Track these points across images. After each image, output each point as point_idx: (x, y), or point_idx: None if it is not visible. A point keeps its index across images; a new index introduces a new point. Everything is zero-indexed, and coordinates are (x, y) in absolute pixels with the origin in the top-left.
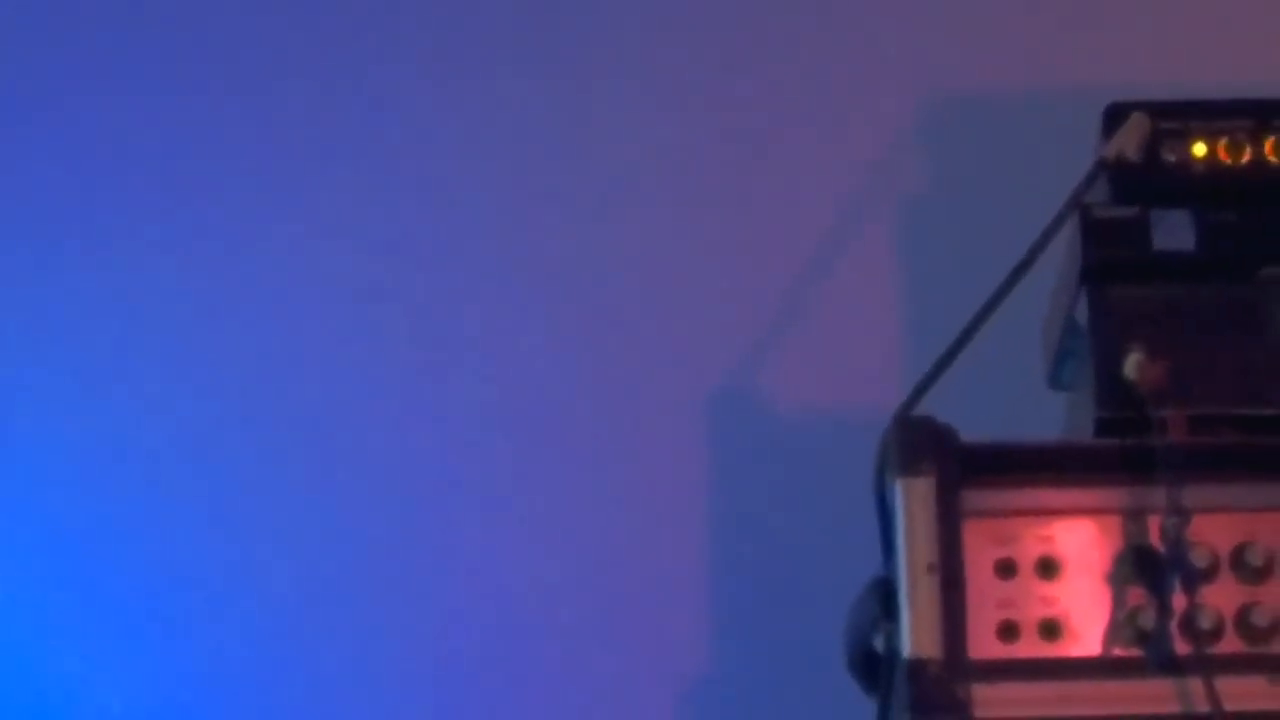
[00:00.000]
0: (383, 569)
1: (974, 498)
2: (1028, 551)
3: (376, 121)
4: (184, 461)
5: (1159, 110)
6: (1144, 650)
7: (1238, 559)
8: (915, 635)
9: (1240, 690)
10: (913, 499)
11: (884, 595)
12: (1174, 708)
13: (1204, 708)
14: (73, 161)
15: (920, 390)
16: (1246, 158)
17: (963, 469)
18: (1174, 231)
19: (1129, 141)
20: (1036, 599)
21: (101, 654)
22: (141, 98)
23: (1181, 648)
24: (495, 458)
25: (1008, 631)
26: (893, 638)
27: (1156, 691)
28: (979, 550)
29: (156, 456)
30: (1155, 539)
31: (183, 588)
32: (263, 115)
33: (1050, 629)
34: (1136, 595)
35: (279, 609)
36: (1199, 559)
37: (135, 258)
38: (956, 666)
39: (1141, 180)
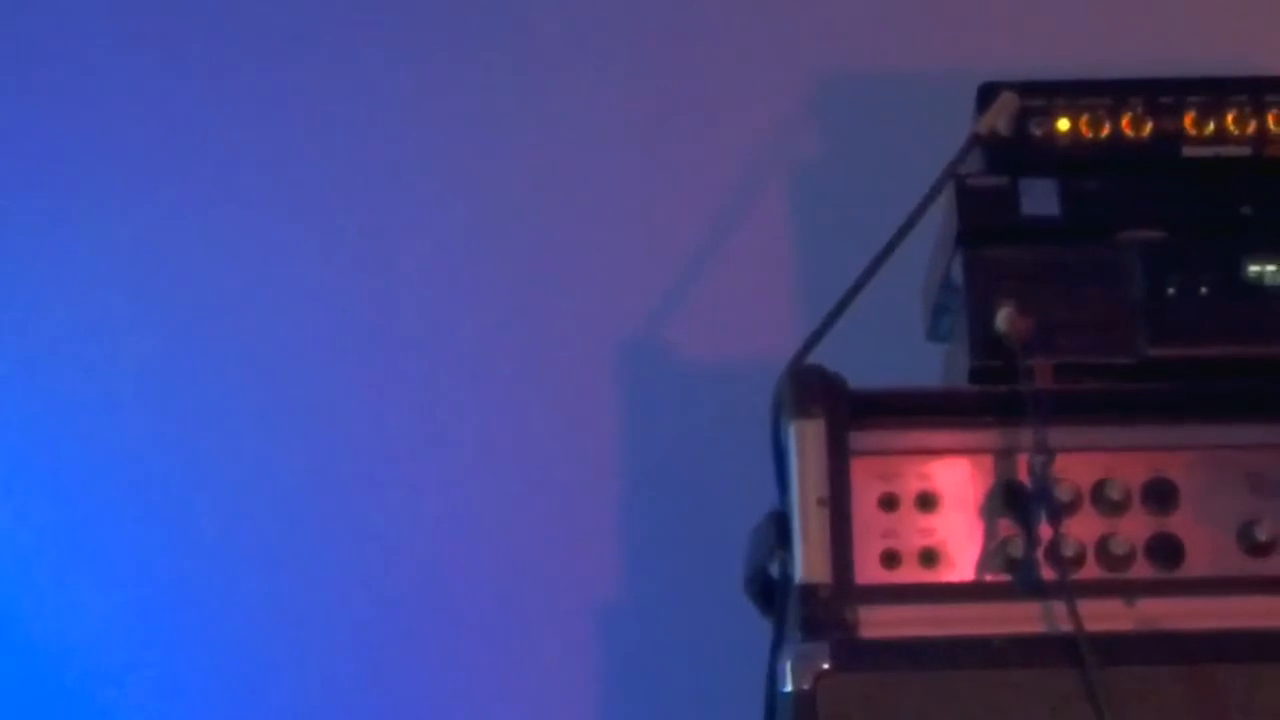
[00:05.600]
0: (301, 510)
1: (860, 438)
2: (908, 487)
3: (308, 73)
4: (113, 394)
5: (1027, 89)
6: (1013, 576)
7: (1098, 494)
8: (807, 562)
9: (1100, 612)
10: (805, 439)
11: (779, 526)
12: (1040, 628)
13: (1067, 628)
14: (56, 143)
15: (812, 342)
16: (1106, 132)
17: (850, 413)
18: (1040, 198)
19: (1000, 117)
20: (916, 530)
21: (51, 590)
22: (124, 87)
23: (1047, 574)
24: (413, 409)
25: (890, 559)
26: (787, 565)
27: (1024, 613)
28: (865, 486)
29: (85, 393)
30: (1023, 476)
31: (110, 524)
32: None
33: (929, 557)
34: (1006, 527)
35: (206, 545)
36: (1063, 494)
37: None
38: (844, 591)
39: (1011, 152)
